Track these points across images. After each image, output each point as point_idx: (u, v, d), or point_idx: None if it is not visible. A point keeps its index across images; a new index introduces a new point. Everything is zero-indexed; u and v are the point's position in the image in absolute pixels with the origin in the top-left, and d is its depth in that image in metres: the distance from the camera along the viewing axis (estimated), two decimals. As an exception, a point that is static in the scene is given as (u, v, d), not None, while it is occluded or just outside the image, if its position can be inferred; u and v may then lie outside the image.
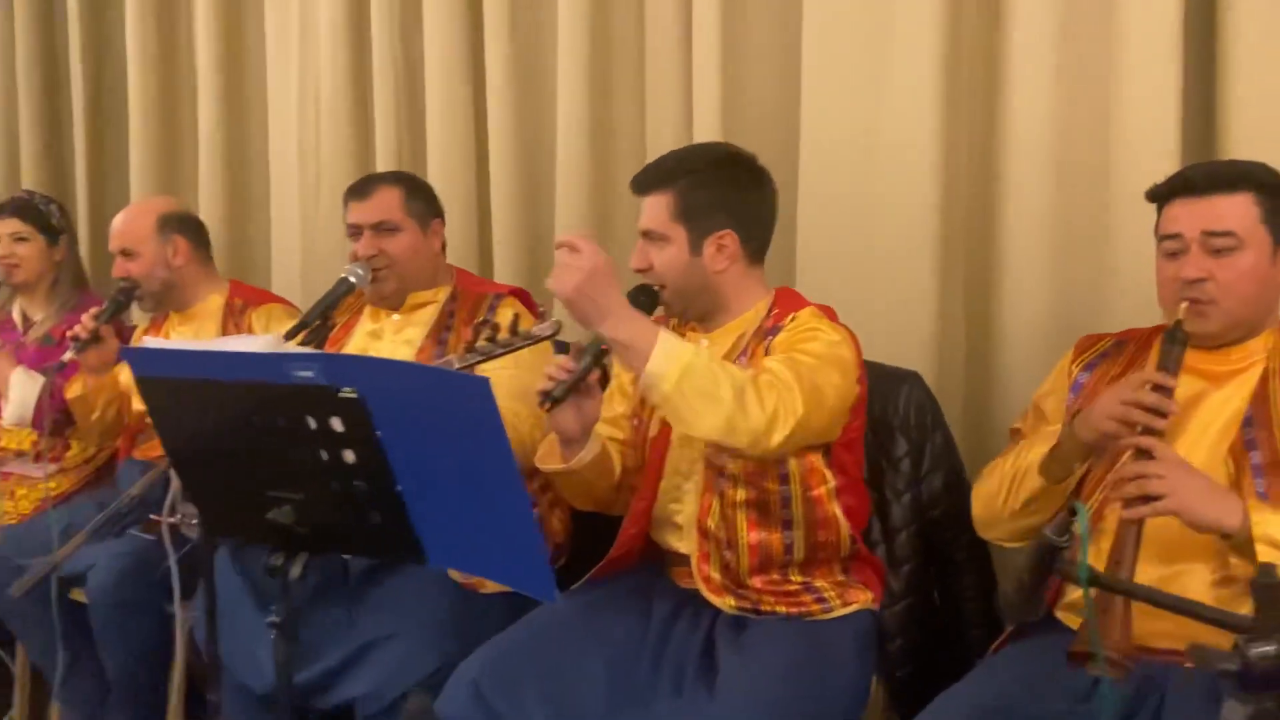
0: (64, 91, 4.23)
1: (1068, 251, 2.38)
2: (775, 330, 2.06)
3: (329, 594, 2.37)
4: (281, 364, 1.63)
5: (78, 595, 2.82)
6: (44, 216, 3.34)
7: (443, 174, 3.18)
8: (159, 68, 3.90)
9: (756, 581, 2.07)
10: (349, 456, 1.63)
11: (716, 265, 2.09)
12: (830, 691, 1.96)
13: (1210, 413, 1.82)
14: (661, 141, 2.85)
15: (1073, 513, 1.30)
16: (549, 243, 3.06)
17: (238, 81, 3.77)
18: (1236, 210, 1.80)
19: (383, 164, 3.30)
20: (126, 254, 3.02)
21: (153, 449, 2.94)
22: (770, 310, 2.12)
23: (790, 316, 2.06)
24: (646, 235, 2.09)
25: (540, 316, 2.21)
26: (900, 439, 2.21)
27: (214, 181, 3.76)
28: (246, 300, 3.07)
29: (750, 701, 1.87)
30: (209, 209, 3.74)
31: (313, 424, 1.62)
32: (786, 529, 2.06)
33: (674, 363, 1.81)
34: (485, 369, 2.15)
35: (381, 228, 2.59)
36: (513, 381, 2.15)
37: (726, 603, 2.08)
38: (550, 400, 1.93)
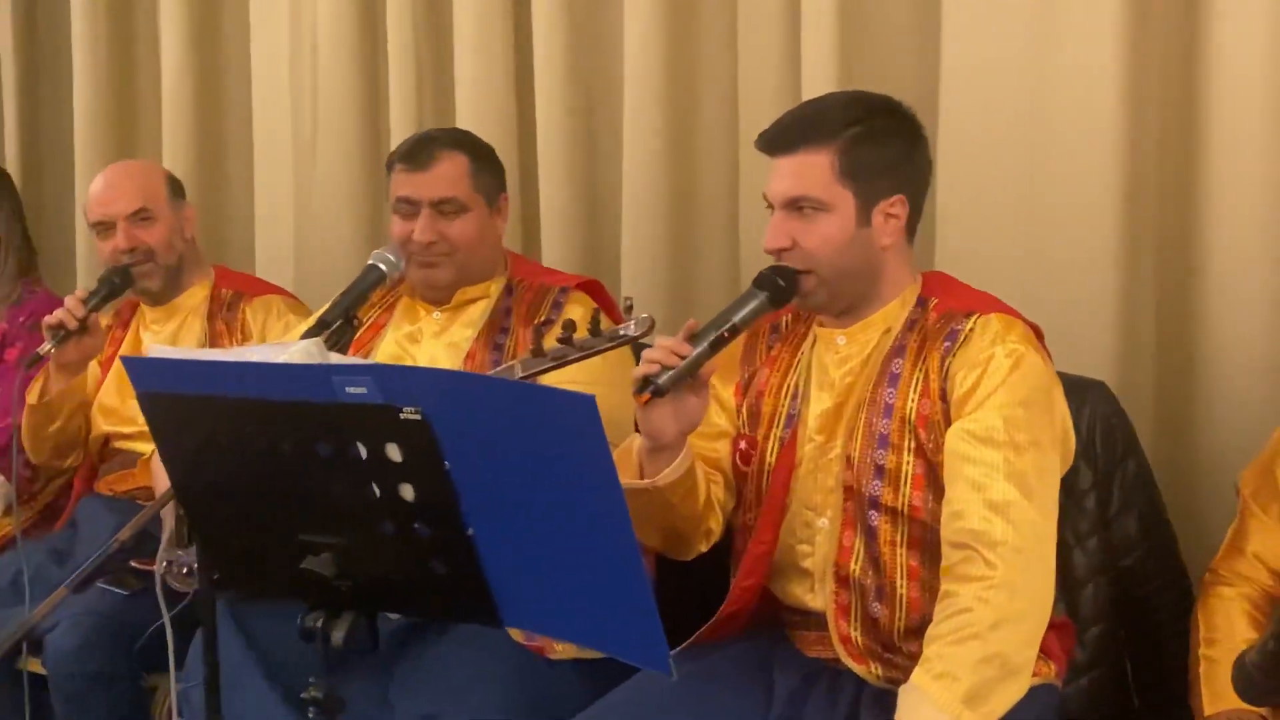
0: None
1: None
2: (952, 335, 2.06)
3: (353, 664, 2.41)
4: (327, 378, 1.65)
5: (34, 666, 2.85)
6: (-22, 189, 3.39)
7: (474, 121, 3.20)
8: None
9: (914, 646, 2.04)
10: (408, 493, 1.65)
11: (884, 239, 2.11)
12: None
13: None
14: (759, 94, 2.89)
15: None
16: (612, 212, 3.10)
17: (213, 25, 3.84)
18: None
19: (396, 111, 3.37)
20: (141, 216, 3.04)
21: (122, 481, 2.99)
22: (925, 301, 2.14)
23: (971, 318, 2.06)
24: (794, 204, 2.08)
25: (625, 314, 2.23)
26: (1084, 468, 2.23)
27: (179, 135, 3.83)
28: (239, 290, 3.13)
29: None
30: (174, 169, 3.77)
31: (363, 452, 1.64)
32: None
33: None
34: (548, 381, 2.21)
35: (445, 207, 2.62)
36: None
37: (872, 672, 2.09)
38: (654, 389, 1.95)
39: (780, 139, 2.12)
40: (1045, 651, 2.11)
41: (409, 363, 2.65)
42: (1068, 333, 2.49)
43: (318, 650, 1.78)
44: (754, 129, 2.75)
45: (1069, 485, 2.22)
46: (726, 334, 2.00)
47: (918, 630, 2.04)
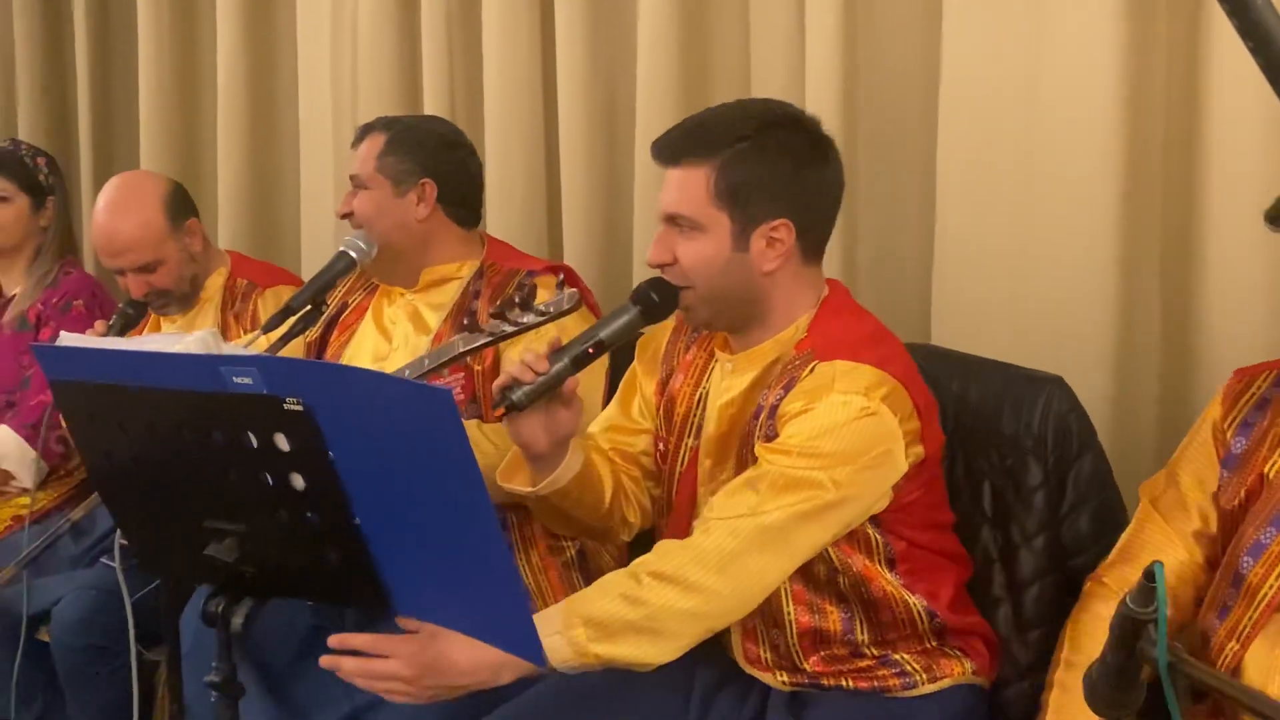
0: (66, 24, 4.44)
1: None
2: (791, 383, 1.98)
3: (320, 645, 2.45)
4: (215, 368, 1.67)
5: (45, 636, 2.95)
6: (29, 173, 3.49)
7: (502, 116, 3.27)
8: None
9: (814, 663, 2.07)
10: (298, 482, 1.68)
11: (766, 264, 2.01)
12: None
13: None
14: (769, 84, 2.87)
15: (1151, 577, 1.28)
16: (630, 203, 3.10)
17: (264, 15, 3.92)
18: None
19: (431, 105, 3.40)
20: (147, 269, 3.05)
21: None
22: (808, 330, 2.05)
23: (810, 368, 1.97)
24: (672, 220, 2.02)
25: (557, 289, 2.23)
26: (1033, 465, 2.18)
27: (234, 133, 3.92)
28: (252, 279, 3.17)
29: None
30: (228, 159, 3.92)
31: (254, 441, 1.67)
32: (843, 605, 2.06)
33: (572, 631, 1.82)
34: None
35: (354, 182, 2.71)
36: None
37: (778, 679, 2.09)
38: (508, 405, 1.94)
39: (665, 150, 2.04)
40: (964, 650, 2.11)
41: (386, 346, 2.69)
42: (1056, 335, 2.48)
43: (218, 634, 1.83)
44: None
45: (1016, 482, 2.20)
46: (591, 350, 1.97)
47: (811, 647, 2.07)
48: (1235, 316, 2.38)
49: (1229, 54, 2.36)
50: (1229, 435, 1.89)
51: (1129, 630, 1.35)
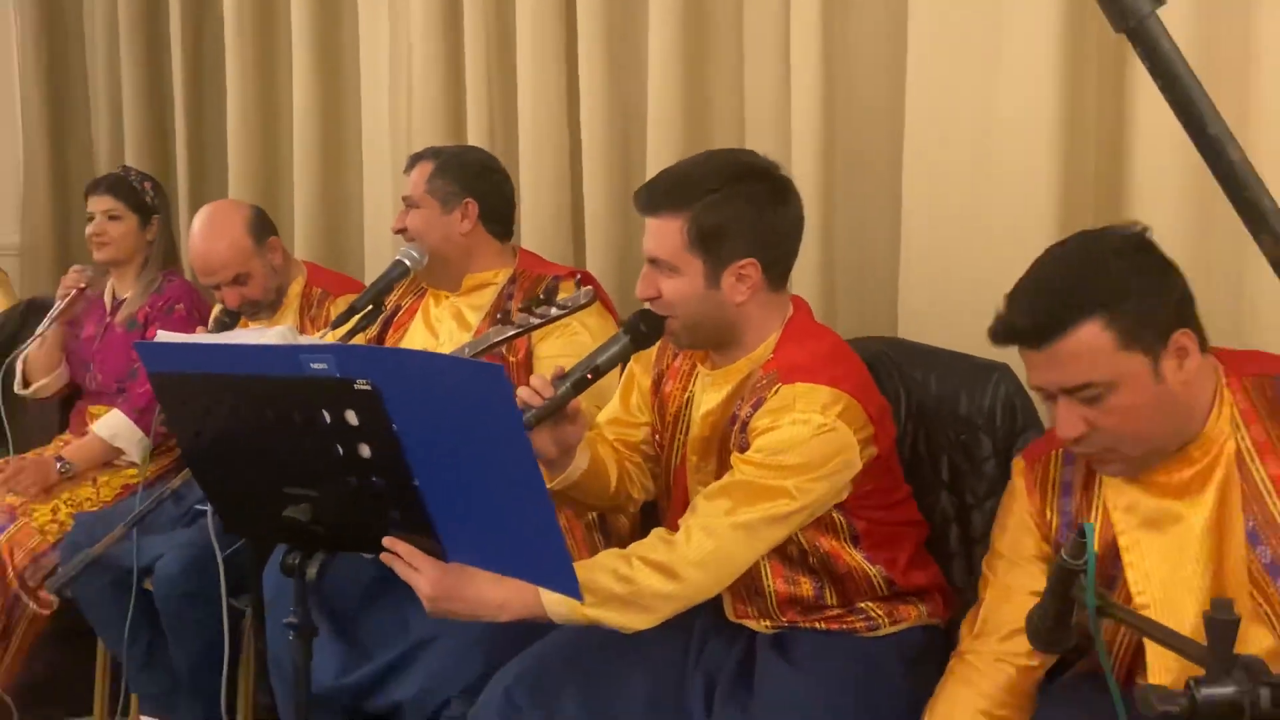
0: (166, 68, 4.47)
1: (1206, 249, 2.26)
2: (759, 401, 1.97)
3: (384, 594, 2.47)
4: (295, 356, 1.67)
5: (149, 586, 2.97)
6: (137, 194, 3.50)
7: (534, 154, 3.26)
8: (256, 43, 4.11)
9: (790, 615, 2.10)
10: (365, 451, 1.68)
11: (736, 297, 1.99)
12: (874, 707, 1.97)
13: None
14: (760, 125, 2.88)
15: (1082, 534, 1.29)
16: (641, 220, 3.10)
17: (333, 60, 3.93)
18: (1084, 357, 1.60)
19: (474, 138, 3.38)
20: (238, 282, 3.07)
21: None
22: (774, 352, 2.03)
23: (775, 390, 1.95)
24: (654, 262, 2.00)
25: (575, 287, 2.21)
26: (985, 439, 2.18)
27: (308, 160, 3.93)
28: (326, 288, 3.17)
29: (790, 708, 1.93)
30: (303, 183, 3.93)
31: (328, 418, 1.67)
32: (814, 576, 2.07)
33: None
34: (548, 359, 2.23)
35: (408, 202, 2.73)
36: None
37: (763, 625, 2.12)
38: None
39: (645, 203, 2.02)
40: (920, 596, 2.12)
41: (433, 341, 2.70)
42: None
43: (295, 584, 1.84)
44: (755, 143, 2.79)
45: (969, 454, 2.21)
46: (590, 375, 1.95)
47: (787, 605, 2.09)
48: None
49: (1148, 88, 2.34)
50: (1054, 523, 1.82)
51: (1063, 579, 1.37)
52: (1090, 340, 1.59)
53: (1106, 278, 1.61)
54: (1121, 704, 1.31)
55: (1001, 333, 1.66)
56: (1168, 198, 2.29)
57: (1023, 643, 1.72)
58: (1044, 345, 1.61)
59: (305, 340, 2.06)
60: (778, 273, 2.05)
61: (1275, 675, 0.99)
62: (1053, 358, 1.61)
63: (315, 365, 1.65)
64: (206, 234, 3.09)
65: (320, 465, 1.72)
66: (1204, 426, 1.67)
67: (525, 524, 1.66)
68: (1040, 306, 1.63)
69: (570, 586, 1.70)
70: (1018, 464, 1.87)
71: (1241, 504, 1.64)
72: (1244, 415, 1.66)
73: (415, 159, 2.78)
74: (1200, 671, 1.00)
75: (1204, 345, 1.66)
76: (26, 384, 3.52)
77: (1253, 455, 1.65)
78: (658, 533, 1.96)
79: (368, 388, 1.61)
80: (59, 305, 3.40)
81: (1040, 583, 1.72)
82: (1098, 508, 1.76)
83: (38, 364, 3.53)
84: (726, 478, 1.95)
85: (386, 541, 1.79)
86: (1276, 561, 1.63)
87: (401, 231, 2.71)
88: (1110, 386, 1.60)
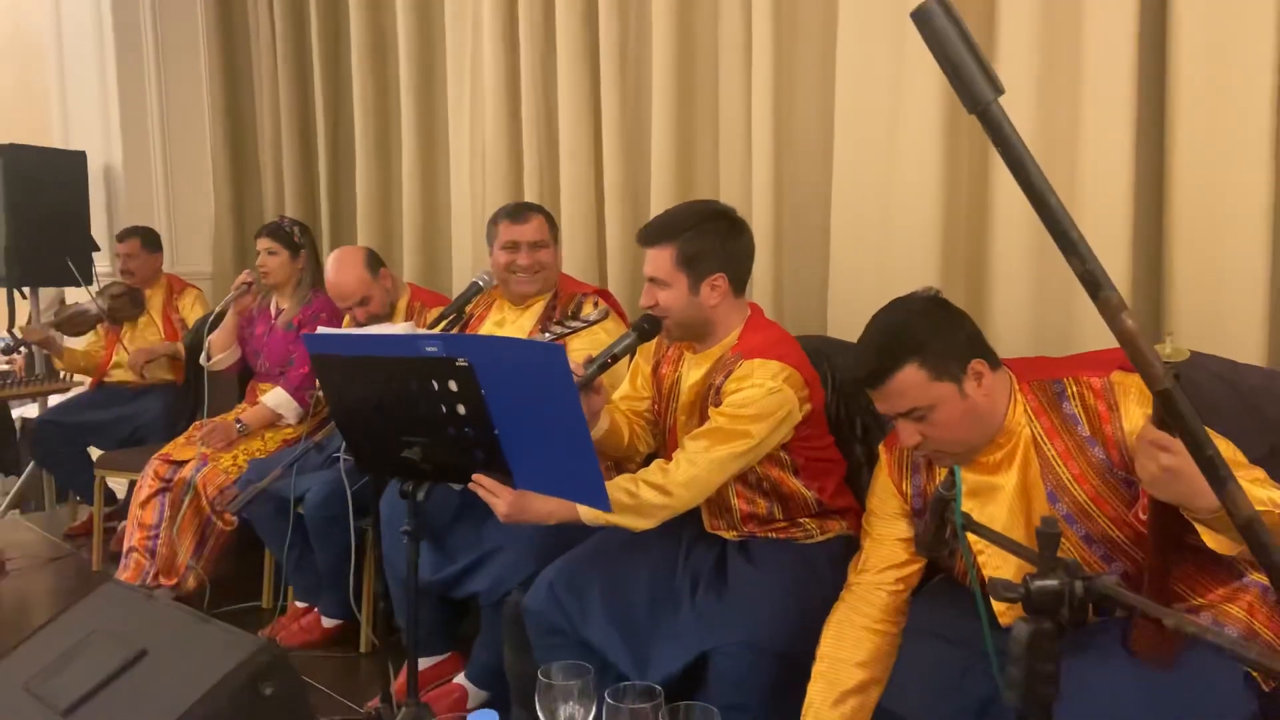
0: (314, 145, 4.48)
1: (1045, 278, 2.30)
2: (728, 373, 2.00)
3: (466, 514, 2.50)
4: (415, 342, 1.69)
5: (300, 510, 3.00)
6: (289, 235, 3.52)
7: (570, 205, 3.27)
8: (377, 129, 4.11)
9: (749, 528, 2.13)
10: (461, 410, 1.68)
11: (710, 301, 2.02)
12: (808, 594, 1.98)
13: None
14: (730, 187, 2.89)
15: (953, 472, 1.32)
16: (643, 253, 3.10)
17: (429, 141, 3.92)
18: (908, 391, 1.59)
19: (529, 196, 3.40)
20: (363, 304, 3.07)
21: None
22: (738, 339, 2.05)
23: (739, 364, 1.98)
24: (653, 280, 2.03)
25: (593, 307, 2.21)
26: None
27: (413, 211, 3.93)
28: (424, 301, 3.18)
29: (752, 595, 1.94)
30: (409, 231, 3.92)
31: (435, 386, 1.67)
32: (766, 498, 2.09)
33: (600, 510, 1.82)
34: (578, 351, 2.25)
35: (538, 244, 2.65)
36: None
37: (730, 535, 2.15)
38: None
39: (645, 238, 2.04)
40: (841, 514, 2.12)
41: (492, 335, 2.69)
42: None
43: (409, 505, 1.84)
44: (725, 198, 2.79)
45: (876, 417, 2.15)
46: (609, 361, 1.97)
47: (747, 519, 2.09)
48: (1008, 315, 2.35)
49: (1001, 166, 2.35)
50: (908, 493, 1.81)
51: (940, 503, 1.36)
52: (909, 378, 1.59)
53: (915, 331, 1.61)
54: (979, 592, 1.32)
55: (850, 380, 1.68)
56: (1019, 241, 2.31)
57: (892, 574, 1.79)
58: (878, 387, 1.62)
59: (421, 332, 2.07)
60: (739, 284, 2.08)
61: (1086, 572, 1.00)
62: (886, 394, 1.62)
63: (429, 349, 1.65)
64: (337, 271, 3.07)
65: (429, 420, 1.72)
66: (1004, 421, 1.65)
67: (572, 459, 1.65)
68: (871, 359, 1.63)
69: (602, 503, 1.72)
70: (882, 449, 1.86)
71: (1041, 474, 1.63)
72: (1034, 410, 1.65)
73: (528, 210, 2.66)
74: (1033, 570, 1.01)
75: (995, 365, 1.65)
76: (209, 358, 3.54)
77: (1044, 438, 1.64)
78: (657, 463, 2.00)
79: (465, 364, 1.62)
80: (232, 295, 3.45)
81: (903, 532, 1.81)
82: (937, 481, 1.77)
83: (218, 343, 3.55)
84: (705, 425, 1.99)
85: (476, 476, 1.82)
86: (1071, 513, 1.62)
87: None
88: (930, 408, 1.60)
